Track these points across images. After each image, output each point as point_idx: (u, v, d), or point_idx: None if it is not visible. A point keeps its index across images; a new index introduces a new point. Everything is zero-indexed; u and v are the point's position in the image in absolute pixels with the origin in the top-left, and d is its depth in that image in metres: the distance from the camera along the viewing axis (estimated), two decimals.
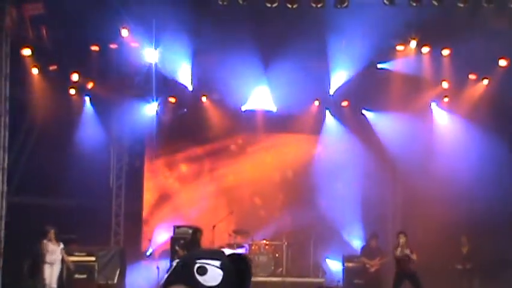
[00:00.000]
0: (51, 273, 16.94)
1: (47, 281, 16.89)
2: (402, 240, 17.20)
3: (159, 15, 17.18)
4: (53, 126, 19.08)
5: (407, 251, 17.09)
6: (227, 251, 2.39)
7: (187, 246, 17.94)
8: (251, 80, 20.35)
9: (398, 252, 17.24)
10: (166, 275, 2.36)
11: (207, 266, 2.28)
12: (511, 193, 18.90)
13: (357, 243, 21.30)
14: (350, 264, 19.69)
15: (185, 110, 22.03)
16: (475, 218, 19.11)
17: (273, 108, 21.60)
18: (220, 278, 2.29)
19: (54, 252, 16.88)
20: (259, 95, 21.26)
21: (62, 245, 17.02)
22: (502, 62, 19.12)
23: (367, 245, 19.74)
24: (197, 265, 2.29)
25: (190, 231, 19.36)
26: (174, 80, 20.08)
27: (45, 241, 16.86)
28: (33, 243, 17.32)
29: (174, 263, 2.38)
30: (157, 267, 19.07)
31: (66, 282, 17.80)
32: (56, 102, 19.31)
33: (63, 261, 17.11)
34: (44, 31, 17.99)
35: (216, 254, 2.35)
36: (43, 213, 18.28)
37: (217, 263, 2.30)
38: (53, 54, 18.71)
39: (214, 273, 2.28)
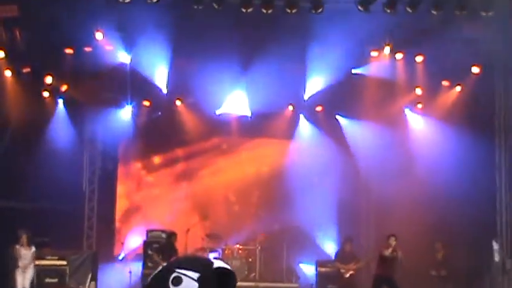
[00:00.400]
0: (24, 278, 16.81)
1: (20, 287, 16.76)
2: (394, 242, 17.16)
3: (135, 18, 17.11)
4: (26, 129, 18.94)
5: (400, 253, 17.08)
6: (217, 263, 2.36)
7: (162, 250, 17.93)
8: (227, 84, 20.34)
9: (387, 252, 17.19)
10: (149, 278, 2.37)
11: (183, 276, 2.26)
12: (487, 199, 19.01)
13: (330, 248, 21.35)
14: (323, 269, 19.69)
15: (159, 113, 21.98)
16: (450, 223, 19.22)
17: (248, 112, 21.60)
18: None
19: (26, 257, 16.74)
20: (235, 99, 21.24)
21: (33, 249, 16.89)
22: (475, 69, 19.27)
23: (341, 249, 19.73)
24: (174, 274, 2.27)
25: (163, 235, 19.37)
26: (148, 83, 20.00)
27: (17, 246, 16.72)
28: (4, 247, 17.17)
29: (160, 267, 2.38)
30: (130, 271, 19.00)
31: (37, 286, 17.67)
32: (29, 105, 19.15)
33: (34, 265, 17.00)
34: (18, 33, 17.86)
35: (198, 265, 2.30)
36: (15, 216, 18.14)
37: (196, 275, 2.26)
38: (26, 57, 18.59)
39: (189, 285, 2.25)
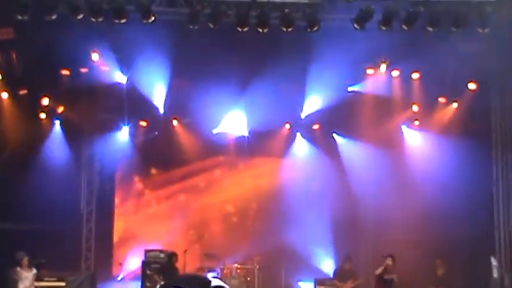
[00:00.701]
0: None
1: None
2: (389, 262, 17.15)
3: (131, 39, 17.13)
4: (22, 150, 18.94)
5: (394, 276, 17.09)
6: (214, 282, 2.32)
7: (163, 271, 17.91)
8: (224, 104, 20.35)
9: (378, 272, 17.20)
10: None
11: None
12: (484, 215, 19.01)
13: (328, 266, 21.28)
14: (322, 287, 19.63)
15: (156, 133, 21.96)
16: (448, 239, 19.18)
17: (245, 132, 21.59)
18: None
19: (26, 279, 16.74)
20: (232, 119, 21.25)
21: (34, 271, 16.90)
22: (471, 86, 19.33)
23: (340, 267, 19.69)
24: None
25: (162, 255, 19.32)
26: (145, 103, 20.00)
27: (18, 268, 16.72)
28: (2, 269, 17.10)
29: (158, 286, 2.34)
30: None
31: None
32: (26, 127, 19.16)
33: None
34: (14, 55, 17.88)
35: (196, 283, 2.30)
36: (12, 238, 18.09)
37: None
38: (23, 79, 18.59)
39: None
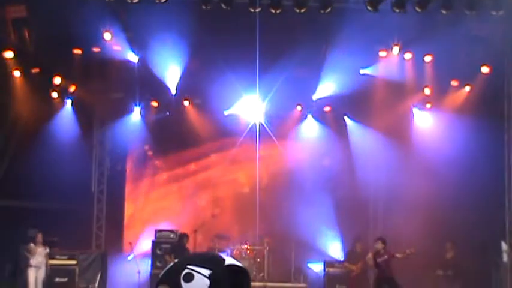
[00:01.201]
0: (37, 276, 16.93)
1: (32, 286, 16.86)
2: (378, 246, 17.33)
3: (143, 18, 17.11)
4: (34, 129, 19.00)
5: (385, 257, 17.19)
6: (228, 260, 2.33)
7: (175, 251, 18.01)
8: (236, 86, 20.30)
9: (367, 257, 17.43)
10: (161, 274, 2.35)
11: (194, 273, 2.24)
12: (495, 199, 18.95)
13: (337, 248, 21.31)
14: (331, 269, 19.71)
15: (167, 113, 21.97)
16: (458, 223, 19.16)
17: (257, 114, 21.54)
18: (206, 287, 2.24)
19: (40, 255, 16.93)
20: (244, 101, 21.23)
21: (47, 249, 17.07)
22: (484, 69, 19.21)
23: (351, 249, 19.78)
24: (185, 271, 2.25)
25: (172, 235, 19.45)
26: (157, 83, 20.00)
27: (32, 244, 16.89)
28: (14, 246, 17.24)
29: (171, 263, 2.37)
30: (139, 272, 18.99)
31: (47, 286, 17.73)
32: (38, 105, 19.20)
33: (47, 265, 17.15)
34: (27, 34, 17.89)
35: (209, 262, 2.28)
36: (24, 216, 18.22)
37: (207, 272, 2.25)
38: (35, 57, 18.61)
39: (200, 282, 2.23)
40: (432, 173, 19.71)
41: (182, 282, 2.23)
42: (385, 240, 17.55)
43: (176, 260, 2.36)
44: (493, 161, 19.10)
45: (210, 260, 2.30)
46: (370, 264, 17.79)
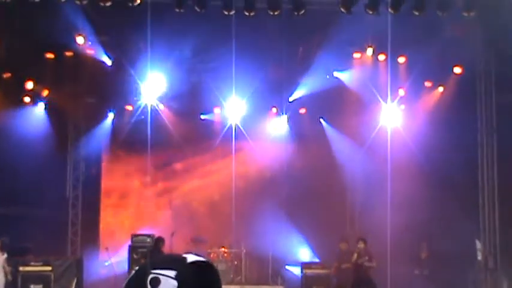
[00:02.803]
0: None
1: None
2: (360, 246, 17.49)
3: (116, 22, 17.05)
4: (7, 134, 18.83)
5: (365, 258, 17.32)
6: (190, 258, 2.31)
7: (150, 256, 17.91)
8: (211, 89, 20.28)
9: (353, 258, 17.56)
10: (124, 284, 2.31)
11: (160, 276, 2.21)
12: (470, 198, 19.13)
13: (318, 250, 21.31)
14: (309, 271, 19.71)
15: (142, 117, 21.85)
16: (433, 223, 19.30)
17: (232, 116, 21.51)
18: None
19: None
20: (219, 104, 21.22)
21: (5, 255, 16.86)
22: (457, 70, 19.39)
23: (338, 249, 19.93)
24: (151, 276, 2.22)
25: (148, 239, 19.34)
26: (131, 87, 19.92)
27: None
28: None
29: (133, 271, 2.32)
30: (115, 276, 18.89)
31: None
32: (10, 111, 19.05)
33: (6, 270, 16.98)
34: None
35: (172, 263, 2.26)
36: None
37: (172, 273, 2.22)
38: (6, 62, 18.45)
39: (167, 284, 2.21)
40: (407, 173, 19.79)
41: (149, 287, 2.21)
42: (366, 241, 17.68)
43: (137, 268, 2.33)
44: (466, 161, 19.28)
45: (173, 261, 2.29)
46: (348, 266, 17.89)
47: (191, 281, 2.23)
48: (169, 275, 2.22)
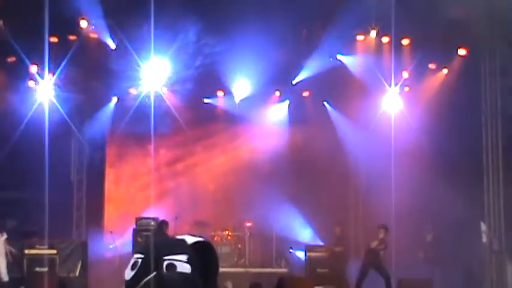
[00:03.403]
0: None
1: None
2: (382, 234, 17.55)
3: (120, 5, 17.03)
4: (12, 119, 18.86)
5: (383, 246, 17.41)
6: (189, 239, 2.31)
7: (155, 239, 17.93)
8: (215, 72, 20.26)
9: (373, 244, 17.61)
10: (132, 272, 2.28)
11: (175, 262, 2.23)
12: (474, 181, 19.10)
13: (320, 233, 21.34)
14: (312, 254, 19.74)
15: (146, 99, 21.84)
16: (439, 206, 19.29)
17: (236, 99, 21.52)
18: (188, 272, 2.24)
19: None
20: (223, 87, 21.22)
21: (5, 235, 16.91)
22: (461, 51, 19.31)
23: (332, 233, 19.95)
24: (166, 262, 2.23)
25: (153, 222, 19.39)
26: (135, 70, 19.91)
27: None
28: None
29: (139, 260, 2.29)
30: (120, 259, 18.96)
31: (27, 275, 17.66)
32: (15, 95, 19.06)
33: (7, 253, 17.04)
34: (2, 23, 17.73)
35: (181, 247, 2.28)
36: (2, 206, 18.09)
37: (184, 257, 2.24)
38: (11, 46, 18.45)
39: (183, 269, 2.23)
40: (412, 156, 19.76)
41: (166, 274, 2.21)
42: (387, 229, 17.71)
43: (142, 257, 2.30)
44: (471, 143, 19.24)
45: (179, 245, 2.29)
46: (371, 249, 17.93)
47: (198, 262, 2.26)
48: (183, 259, 2.24)
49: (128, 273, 2.30)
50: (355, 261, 18.83)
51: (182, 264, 2.23)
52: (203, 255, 2.29)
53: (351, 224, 21.09)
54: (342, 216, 20.53)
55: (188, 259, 2.24)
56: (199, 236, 2.35)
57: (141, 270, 2.26)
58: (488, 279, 19.10)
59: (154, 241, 2.35)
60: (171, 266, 2.22)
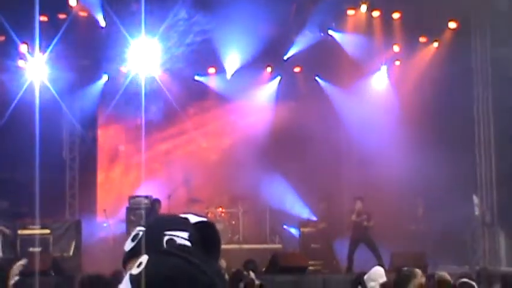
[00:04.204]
0: None
1: None
2: (358, 205, 17.60)
3: None
4: (2, 99, 18.79)
5: (364, 217, 17.44)
6: (192, 218, 2.30)
7: (147, 217, 17.99)
8: (205, 49, 20.19)
9: (353, 217, 17.69)
10: (131, 245, 2.27)
11: (176, 238, 2.21)
12: (466, 153, 19.14)
13: (313, 207, 21.40)
14: (306, 230, 19.81)
15: (137, 78, 21.76)
16: (429, 178, 19.31)
17: (227, 76, 21.47)
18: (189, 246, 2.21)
19: None
20: (212, 64, 21.18)
21: None
22: (452, 24, 19.29)
23: (317, 208, 20.08)
24: (166, 237, 2.21)
25: (146, 201, 19.40)
26: (126, 49, 19.83)
27: None
28: None
29: (140, 233, 2.28)
30: (114, 237, 18.99)
31: (21, 255, 17.62)
32: (5, 74, 18.98)
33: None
34: None
35: (183, 224, 2.26)
36: None
37: (185, 234, 2.22)
38: (0, 26, 18.35)
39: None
40: (404, 130, 19.78)
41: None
42: (363, 199, 17.79)
43: (142, 229, 2.29)
44: (462, 116, 19.25)
45: (182, 223, 2.28)
46: (352, 222, 18.00)
47: (199, 241, 2.24)
48: (184, 236, 2.22)
49: (128, 245, 2.29)
50: (347, 236, 18.88)
51: (183, 241, 2.21)
52: (205, 234, 2.28)
53: (342, 198, 21.11)
54: (332, 191, 20.56)
55: (189, 236, 2.22)
56: (202, 216, 2.34)
57: (141, 242, 2.25)
58: (481, 251, 19.18)
59: (157, 217, 2.35)
60: (171, 241, 2.21)
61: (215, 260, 2.31)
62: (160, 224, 2.31)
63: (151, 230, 2.28)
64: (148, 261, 2.06)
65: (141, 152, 22.45)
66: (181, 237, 2.22)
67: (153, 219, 2.38)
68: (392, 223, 18.33)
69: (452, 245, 18.78)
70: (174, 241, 2.21)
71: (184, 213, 2.37)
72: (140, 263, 2.07)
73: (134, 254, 2.22)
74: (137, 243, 2.26)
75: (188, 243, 2.21)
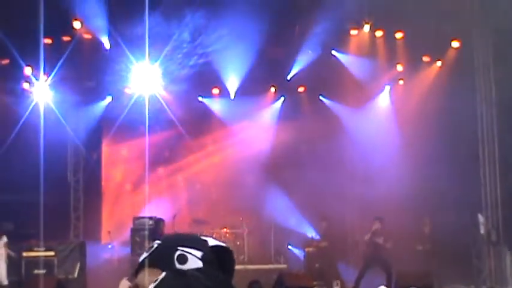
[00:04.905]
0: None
1: None
2: (376, 226, 17.55)
3: (113, 5, 17.02)
4: (7, 121, 18.83)
5: (380, 239, 17.38)
6: (211, 241, 2.32)
7: (153, 237, 17.95)
8: (209, 70, 20.26)
9: (366, 237, 17.63)
10: (144, 255, 2.30)
11: (187, 255, 2.22)
12: (471, 172, 19.10)
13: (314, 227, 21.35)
14: (310, 249, 19.77)
15: (142, 98, 21.81)
16: (435, 198, 19.29)
17: (231, 97, 21.52)
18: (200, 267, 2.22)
19: None
20: (216, 85, 21.23)
21: (4, 239, 16.87)
22: (455, 44, 19.33)
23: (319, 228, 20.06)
24: (178, 252, 2.22)
25: (150, 222, 19.36)
26: (129, 70, 19.90)
27: None
28: None
29: (155, 245, 2.31)
30: (118, 260, 18.95)
31: (25, 278, 17.63)
32: (10, 97, 19.04)
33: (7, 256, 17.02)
34: None
35: (198, 243, 2.27)
36: (0, 209, 18.05)
37: (199, 253, 2.23)
38: (5, 48, 18.44)
39: (193, 263, 2.21)
40: (407, 149, 19.79)
41: (176, 263, 2.20)
42: (382, 220, 17.73)
43: (159, 242, 2.32)
44: (466, 135, 19.23)
45: (198, 242, 2.29)
46: (365, 241, 17.97)
47: (214, 264, 2.24)
48: (197, 254, 2.23)
49: (143, 256, 2.32)
50: (351, 255, 18.85)
51: (194, 259, 2.22)
52: (221, 259, 2.29)
53: (348, 219, 21.07)
54: (335, 210, 20.52)
55: (202, 256, 2.23)
56: (222, 242, 2.35)
57: (152, 254, 2.27)
58: (487, 270, 19.10)
59: (177, 233, 2.38)
60: (183, 257, 2.22)
61: (227, 283, 2.31)
62: (176, 239, 2.32)
63: (166, 243, 2.30)
64: (163, 279, 2.08)
65: (146, 173, 22.45)
66: (193, 255, 2.22)
67: (172, 235, 2.40)
68: (398, 242, 18.26)
69: (458, 264, 18.70)
70: (186, 257, 2.21)
71: (202, 235, 2.39)
72: (156, 280, 2.09)
73: (145, 264, 2.25)
74: (149, 254, 2.28)
75: (200, 263, 2.21)
